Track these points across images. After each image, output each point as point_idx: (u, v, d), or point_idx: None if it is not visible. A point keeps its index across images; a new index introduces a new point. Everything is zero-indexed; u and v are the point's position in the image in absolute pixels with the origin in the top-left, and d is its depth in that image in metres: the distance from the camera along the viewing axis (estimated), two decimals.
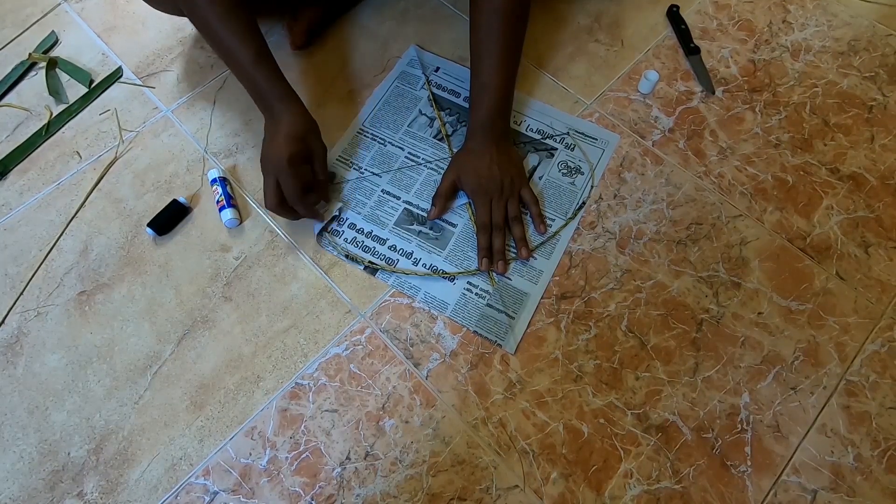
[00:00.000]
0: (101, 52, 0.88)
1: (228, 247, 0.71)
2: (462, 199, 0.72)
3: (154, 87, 0.85)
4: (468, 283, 0.67)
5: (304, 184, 0.65)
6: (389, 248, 0.70)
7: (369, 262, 0.69)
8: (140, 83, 0.85)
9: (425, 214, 0.72)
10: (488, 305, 0.66)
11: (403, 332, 0.65)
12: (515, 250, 0.68)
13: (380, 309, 0.66)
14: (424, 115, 0.80)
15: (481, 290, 0.67)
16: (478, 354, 0.64)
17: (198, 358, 0.65)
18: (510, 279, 0.67)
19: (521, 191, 0.70)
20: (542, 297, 0.66)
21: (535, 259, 0.68)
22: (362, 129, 0.79)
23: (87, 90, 0.84)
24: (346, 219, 0.72)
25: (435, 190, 0.72)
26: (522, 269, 0.68)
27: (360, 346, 0.65)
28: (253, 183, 0.75)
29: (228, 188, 0.73)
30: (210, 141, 0.79)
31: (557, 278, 0.67)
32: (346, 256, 0.69)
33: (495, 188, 0.68)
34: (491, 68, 0.68)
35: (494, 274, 0.67)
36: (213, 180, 0.73)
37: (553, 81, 0.82)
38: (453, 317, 0.65)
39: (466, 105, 0.80)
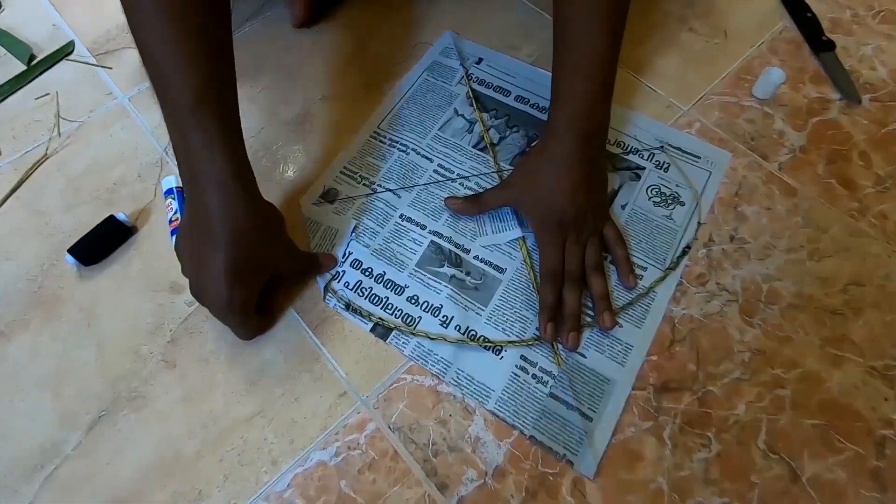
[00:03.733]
0: (53, 22, 0.69)
1: (180, 287, 0.50)
2: (512, 229, 0.51)
3: (111, 68, 0.65)
4: (522, 358, 0.46)
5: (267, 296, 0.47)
6: (408, 299, 0.49)
7: (379, 318, 0.47)
8: (94, 62, 0.66)
9: (460, 253, 0.51)
10: (552, 396, 0.44)
11: (424, 433, 0.43)
12: (593, 313, 0.47)
13: (390, 392, 0.45)
14: (462, 116, 0.59)
15: (542, 370, 0.45)
16: (537, 476, 0.42)
17: (115, 455, 0.43)
18: (584, 356, 0.46)
19: (604, 227, 0.49)
20: (632, 388, 0.44)
21: (621, 327, 0.47)
22: (378, 133, 0.58)
23: (24, 67, 0.65)
24: (350, 253, 0.51)
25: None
26: (603, 343, 0.46)
27: (358, 451, 0.43)
28: None
29: None
30: None
31: (655, 358, 0.46)
32: (347, 308, 0.48)
33: (574, 222, 0.47)
34: (591, 35, 0.45)
35: (561, 347, 0.46)
36: (169, 191, 0.53)
37: (636, 79, 0.61)
38: (499, 411, 0.44)
39: (518, 106, 0.59)
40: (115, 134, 0.60)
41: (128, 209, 0.54)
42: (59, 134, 0.60)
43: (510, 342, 0.46)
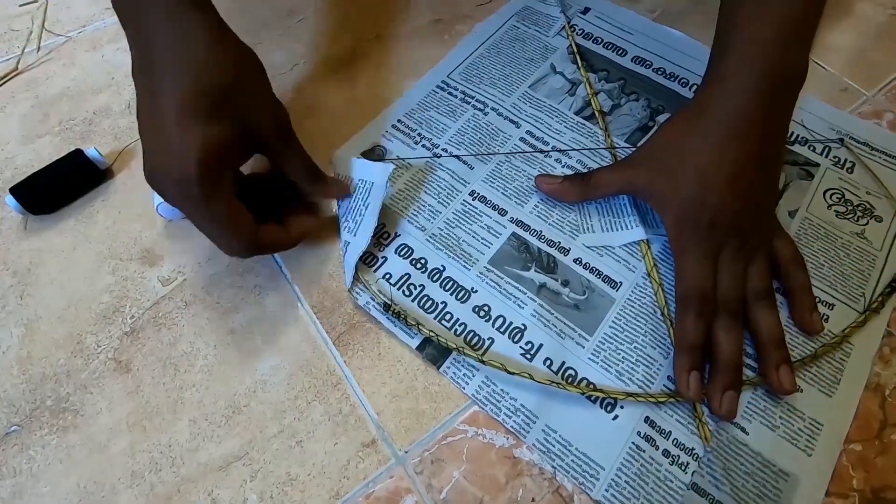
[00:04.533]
0: None
1: (157, 257, 0.36)
2: (631, 227, 0.36)
3: None
4: (647, 422, 0.30)
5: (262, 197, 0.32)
6: (476, 309, 0.33)
7: (431, 331, 0.32)
8: None
9: (554, 253, 0.35)
10: (695, 489, 0.28)
11: None
12: (757, 366, 0.31)
13: (441, 450, 0.29)
14: (561, 74, 0.44)
15: (678, 445, 0.29)
16: None
17: (15, 497, 0.29)
18: (745, 431, 0.29)
19: (774, 240, 0.33)
20: (826, 492, 0.28)
21: (801, 392, 0.30)
22: (447, 83, 0.44)
23: None
24: (395, 234, 0.36)
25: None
26: (773, 414, 0.30)
27: None
28: None
29: None
30: None
31: (858, 448, 0.29)
32: (387, 310, 0.33)
33: (735, 226, 0.31)
34: None
35: (707, 412, 0.30)
36: None
37: None
38: (612, 503, 0.28)
39: (636, 69, 0.44)
40: (107, 55, 0.46)
41: (105, 147, 0.40)
42: (39, 48, 0.47)
43: (629, 395, 0.30)
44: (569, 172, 0.39)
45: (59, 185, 0.37)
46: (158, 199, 0.35)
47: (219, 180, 0.28)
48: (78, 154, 0.38)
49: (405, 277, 0.35)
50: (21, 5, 0.50)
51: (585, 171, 0.38)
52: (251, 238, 0.29)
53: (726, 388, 0.29)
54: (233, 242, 0.29)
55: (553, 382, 0.30)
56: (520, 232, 0.36)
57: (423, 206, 0.37)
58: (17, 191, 0.36)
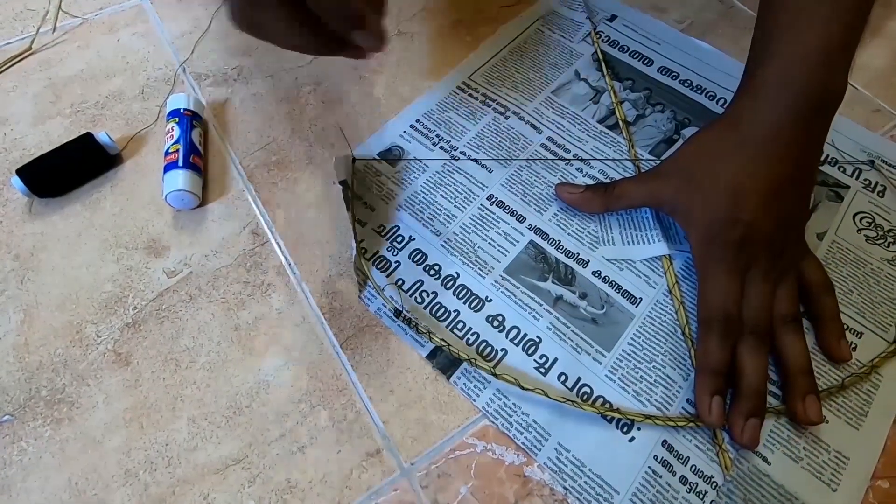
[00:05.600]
0: None
1: (163, 248, 0.35)
2: (653, 242, 0.34)
3: None
4: (665, 446, 0.29)
5: None
6: (489, 319, 0.32)
7: (442, 340, 0.31)
8: None
9: (573, 265, 0.34)
10: None
11: None
12: (781, 393, 0.30)
13: (448, 464, 0.28)
14: (585, 81, 0.43)
15: (696, 472, 0.28)
16: None
17: (2, 490, 0.27)
18: (766, 460, 0.28)
19: (803, 262, 0.32)
20: None
21: (827, 423, 0.29)
22: (468, 85, 0.43)
23: None
24: (409, 238, 0.35)
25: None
26: (797, 445, 0.29)
27: None
28: (245, 137, 0.40)
29: (196, 134, 0.37)
30: (198, 53, 0.44)
31: (885, 486, 0.28)
32: (397, 317, 0.32)
33: (766, 246, 0.30)
34: None
35: (728, 438, 0.29)
36: (175, 112, 0.38)
37: None
38: None
39: (662, 80, 0.43)
40: (123, 39, 0.46)
41: (116, 132, 0.39)
42: (55, 29, 0.46)
43: (646, 417, 0.29)
44: (590, 182, 0.38)
45: (67, 169, 0.36)
46: (168, 187, 0.35)
47: None
48: (88, 138, 0.37)
49: (418, 284, 0.33)
50: None
51: (608, 181, 0.37)
52: None
53: (749, 415, 0.28)
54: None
55: (568, 400, 0.29)
56: (538, 240, 0.35)
57: (439, 209, 0.36)
58: (23, 172, 0.35)
